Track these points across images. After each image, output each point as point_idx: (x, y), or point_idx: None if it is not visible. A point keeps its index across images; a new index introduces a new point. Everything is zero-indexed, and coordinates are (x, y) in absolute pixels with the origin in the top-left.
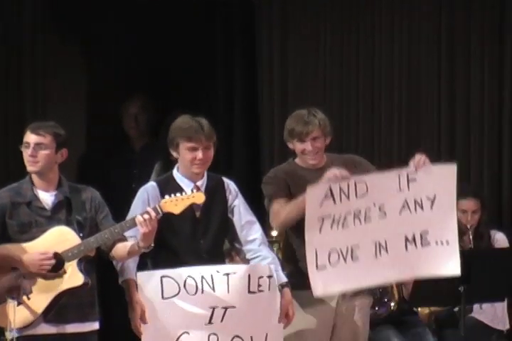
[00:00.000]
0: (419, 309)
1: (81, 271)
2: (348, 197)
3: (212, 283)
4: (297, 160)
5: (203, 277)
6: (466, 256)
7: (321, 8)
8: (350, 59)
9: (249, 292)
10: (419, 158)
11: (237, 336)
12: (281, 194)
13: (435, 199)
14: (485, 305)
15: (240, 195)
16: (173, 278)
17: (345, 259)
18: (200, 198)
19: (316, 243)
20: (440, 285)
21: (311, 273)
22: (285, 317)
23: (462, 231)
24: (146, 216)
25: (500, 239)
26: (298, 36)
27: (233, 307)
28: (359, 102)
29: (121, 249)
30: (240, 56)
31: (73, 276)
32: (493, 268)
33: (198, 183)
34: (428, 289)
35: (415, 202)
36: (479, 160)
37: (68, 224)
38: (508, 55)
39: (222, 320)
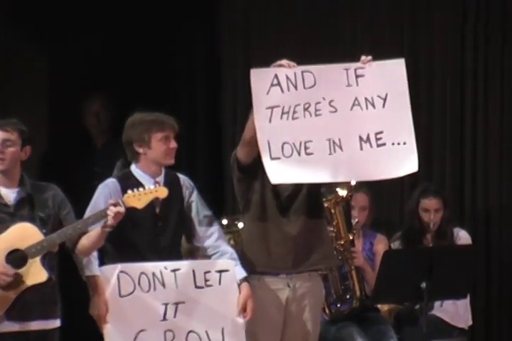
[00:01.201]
0: (379, 305)
1: (44, 267)
2: (295, 87)
3: (162, 279)
4: None
5: (154, 274)
6: (428, 253)
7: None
8: None
9: (196, 287)
10: (366, 56)
11: (192, 331)
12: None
13: (387, 98)
14: (446, 303)
15: (195, 191)
16: (128, 274)
17: (299, 153)
18: (163, 192)
19: (267, 133)
20: (402, 282)
21: (265, 162)
22: (244, 311)
23: (425, 230)
24: (119, 208)
25: (463, 237)
26: (261, 41)
27: (183, 302)
28: None
29: (85, 240)
30: (201, 55)
31: (37, 273)
32: (456, 265)
33: (158, 179)
34: (390, 286)
35: (366, 99)
36: (441, 158)
37: (31, 220)
38: (469, 56)
39: (175, 316)
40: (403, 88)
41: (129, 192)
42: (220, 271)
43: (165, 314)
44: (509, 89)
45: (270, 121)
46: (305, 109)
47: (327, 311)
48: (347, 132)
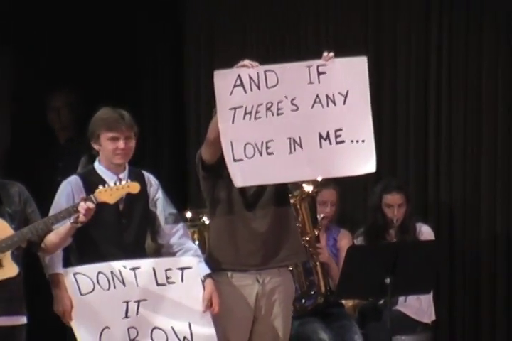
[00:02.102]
0: (343, 301)
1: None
2: (258, 87)
3: (122, 278)
4: None
5: (112, 273)
6: (392, 248)
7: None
8: None
9: (158, 284)
10: (328, 53)
11: (157, 327)
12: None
13: (348, 95)
14: (410, 298)
15: (160, 188)
16: (85, 275)
17: (260, 153)
18: (135, 188)
19: (230, 135)
20: (366, 278)
21: (228, 164)
22: (210, 306)
23: (388, 225)
24: (89, 203)
25: (425, 232)
26: (225, 41)
27: (145, 300)
28: None
29: (52, 236)
30: (166, 54)
31: (8, 267)
32: (419, 261)
33: (121, 176)
34: (354, 281)
35: (327, 96)
36: (405, 153)
37: (0, 216)
38: (433, 52)
39: (137, 314)
40: (364, 86)
41: (101, 187)
42: (182, 268)
43: (127, 311)
44: (473, 84)
45: (233, 122)
46: (267, 109)
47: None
48: (307, 130)
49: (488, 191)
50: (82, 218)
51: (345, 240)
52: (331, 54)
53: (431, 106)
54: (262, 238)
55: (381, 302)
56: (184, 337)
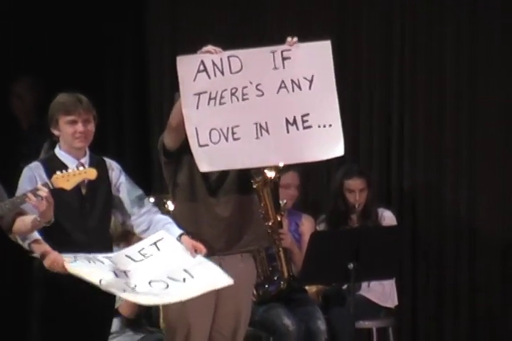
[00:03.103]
0: (307, 287)
1: None
2: (222, 73)
3: (101, 261)
4: None
5: (87, 257)
6: (355, 234)
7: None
8: None
9: (136, 261)
10: (291, 38)
11: (153, 281)
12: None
13: (313, 80)
14: (373, 283)
15: (123, 173)
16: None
17: (226, 138)
18: (92, 174)
19: (194, 120)
20: (329, 263)
21: (194, 149)
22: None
23: (350, 211)
24: (39, 193)
25: (387, 217)
26: (188, 28)
27: (129, 271)
28: None
29: (20, 224)
30: (129, 41)
31: None
32: (382, 246)
33: (82, 161)
34: (317, 267)
35: (292, 81)
36: (368, 139)
37: None
38: (397, 38)
39: (127, 276)
40: (329, 70)
41: (58, 173)
42: (155, 243)
43: (116, 275)
44: (436, 69)
45: (197, 107)
46: (232, 94)
47: (254, 292)
48: (274, 115)
49: (451, 176)
50: (41, 207)
51: (307, 225)
52: (295, 39)
53: (394, 92)
54: (225, 223)
55: (344, 287)
56: (184, 278)
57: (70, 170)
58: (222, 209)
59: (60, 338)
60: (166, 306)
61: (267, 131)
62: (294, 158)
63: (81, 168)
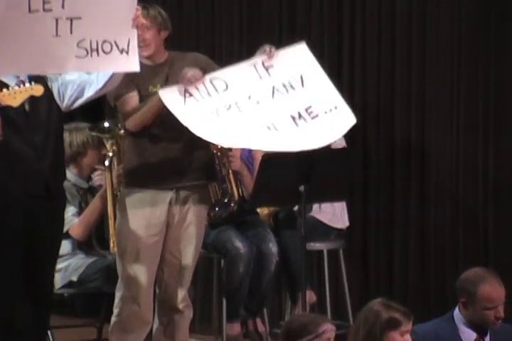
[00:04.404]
0: (259, 209)
1: None
2: (209, 94)
3: None
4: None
5: None
6: (305, 156)
7: None
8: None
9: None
10: (267, 48)
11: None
12: (127, 92)
13: (303, 78)
14: (324, 205)
15: (60, 77)
16: None
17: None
18: (38, 90)
19: (204, 132)
20: (281, 186)
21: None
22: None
23: None
24: None
25: (336, 140)
26: None
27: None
28: None
29: None
30: None
31: None
32: (333, 168)
33: (21, 78)
34: (269, 189)
35: (283, 85)
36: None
37: None
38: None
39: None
40: (315, 66)
41: (4, 90)
42: None
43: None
44: None
45: (200, 125)
46: (227, 109)
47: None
48: (279, 116)
49: (402, 97)
50: None
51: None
52: (273, 50)
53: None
54: (175, 154)
55: (295, 209)
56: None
57: (16, 88)
58: (172, 142)
59: (5, 261)
60: (116, 229)
61: (276, 129)
62: (314, 144)
63: (27, 85)
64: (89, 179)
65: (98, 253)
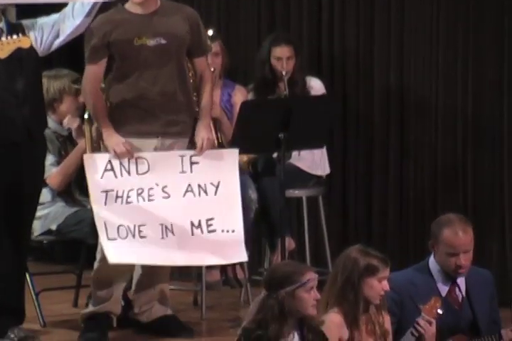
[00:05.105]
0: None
1: None
2: (128, 173)
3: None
4: (127, 5)
5: None
6: (284, 103)
7: None
8: None
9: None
10: (203, 141)
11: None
12: (94, 58)
13: (219, 186)
14: (303, 152)
15: (36, 22)
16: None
17: (133, 235)
18: (26, 42)
19: (103, 215)
20: (260, 133)
21: (103, 241)
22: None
23: (277, 78)
24: None
25: (315, 86)
26: None
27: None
28: None
29: None
30: None
31: None
32: (312, 116)
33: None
34: (248, 136)
35: (199, 186)
36: (298, 4)
37: None
38: None
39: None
40: (235, 177)
41: None
42: None
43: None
44: None
45: (105, 204)
46: (138, 194)
47: None
48: (179, 218)
49: (381, 44)
50: None
51: (239, 95)
52: (204, 147)
53: None
54: (156, 104)
55: (275, 156)
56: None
57: (3, 39)
58: (152, 91)
59: None
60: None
61: (172, 232)
62: (198, 260)
63: (15, 37)
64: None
65: (78, 202)
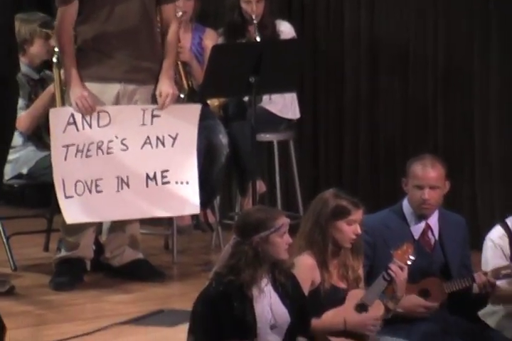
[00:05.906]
0: (209, 101)
1: None
2: (90, 126)
3: None
4: None
5: None
6: (255, 47)
7: None
8: None
9: None
10: (166, 96)
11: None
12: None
13: (177, 138)
14: (274, 96)
15: None
16: None
17: (90, 191)
18: None
19: (62, 172)
20: (231, 77)
21: (60, 200)
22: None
23: (247, 22)
24: None
25: (285, 31)
26: None
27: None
28: None
29: None
30: None
31: None
32: (282, 59)
33: None
34: (219, 80)
35: (157, 138)
36: None
37: None
38: None
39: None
40: (193, 130)
41: None
42: None
43: None
44: None
45: (65, 159)
46: (98, 147)
47: None
48: (136, 170)
49: None
50: None
51: (210, 39)
52: (167, 102)
53: None
54: (114, 47)
55: (245, 100)
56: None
57: None
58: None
59: None
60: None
61: (128, 184)
62: (151, 212)
63: None
64: (40, 70)
65: (48, 146)
